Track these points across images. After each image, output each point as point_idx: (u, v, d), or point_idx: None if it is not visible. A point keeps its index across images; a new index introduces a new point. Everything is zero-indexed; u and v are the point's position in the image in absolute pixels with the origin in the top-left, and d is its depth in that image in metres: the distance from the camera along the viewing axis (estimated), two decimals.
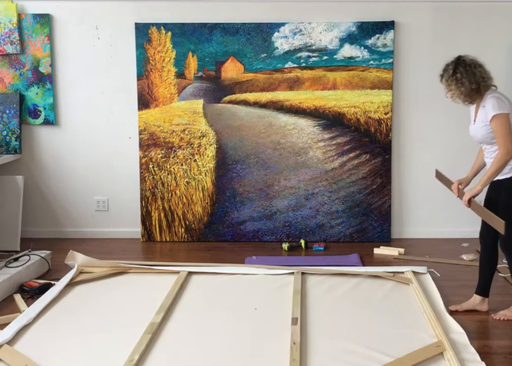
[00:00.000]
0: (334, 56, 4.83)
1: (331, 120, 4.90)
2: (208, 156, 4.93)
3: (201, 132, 4.94)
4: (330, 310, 3.44)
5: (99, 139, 5.02)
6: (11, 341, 3.02)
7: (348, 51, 4.82)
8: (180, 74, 4.91)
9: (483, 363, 2.79)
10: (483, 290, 3.46)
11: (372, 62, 4.82)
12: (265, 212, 4.97)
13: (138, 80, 4.90)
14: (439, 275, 4.06)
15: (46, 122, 4.99)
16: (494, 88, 3.26)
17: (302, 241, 4.79)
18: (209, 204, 4.97)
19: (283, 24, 4.80)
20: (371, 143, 4.89)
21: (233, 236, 4.98)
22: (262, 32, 4.81)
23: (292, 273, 3.99)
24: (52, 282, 3.86)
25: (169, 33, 4.83)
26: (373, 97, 4.86)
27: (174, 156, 4.94)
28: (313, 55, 4.84)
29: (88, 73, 4.94)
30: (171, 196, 4.96)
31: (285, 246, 4.73)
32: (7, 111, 4.92)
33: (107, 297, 3.66)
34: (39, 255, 4.16)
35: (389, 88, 4.84)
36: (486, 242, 3.40)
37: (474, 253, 4.50)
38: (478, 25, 4.78)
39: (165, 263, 4.26)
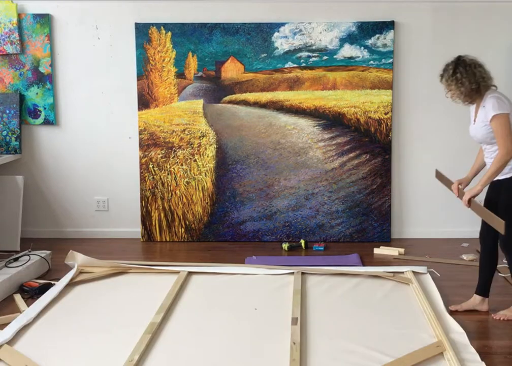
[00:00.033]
0: (334, 56, 4.83)
1: (331, 120, 4.90)
2: (208, 156, 4.93)
3: (201, 132, 4.94)
4: (330, 310, 3.44)
5: (99, 139, 5.02)
6: (11, 341, 3.02)
7: (348, 51, 4.82)
8: (180, 74, 4.91)
9: (483, 363, 2.79)
10: (483, 290, 3.46)
11: (372, 62, 4.82)
12: (265, 212, 4.97)
13: (138, 80, 4.90)
14: (439, 275, 4.06)
15: (46, 122, 4.99)
16: (494, 88, 3.26)
17: (302, 241, 4.79)
18: (209, 204, 4.97)
19: (283, 24, 4.80)
20: (371, 143, 4.89)
21: (233, 236, 4.98)
22: (262, 32, 4.81)
23: (292, 273, 3.99)
24: (52, 282, 3.86)
25: (169, 33, 4.83)
26: (373, 97, 4.86)
27: (174, 156, 4.94)
28: (313, 55, 4.84)
29: (88, 73, 4.94)
30: (171, 196, 4.96)
31: (285, 246, 4.73)
32: (7, 111, 4.92)
33: (107, 297, 3.66)
34: (39, 255, 4.16)
35: (389, 88, 4.84)
36: (486, 242, 3.40)
37: (474, 253, 4.50)
38: (478, 25, 4.78)
39: (165, 263, 4.26)
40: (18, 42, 4.84)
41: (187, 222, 4.99)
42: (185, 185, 4.95)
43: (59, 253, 4.34)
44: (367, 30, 4.78)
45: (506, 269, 3.85)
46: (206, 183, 4.95)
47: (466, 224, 4.82)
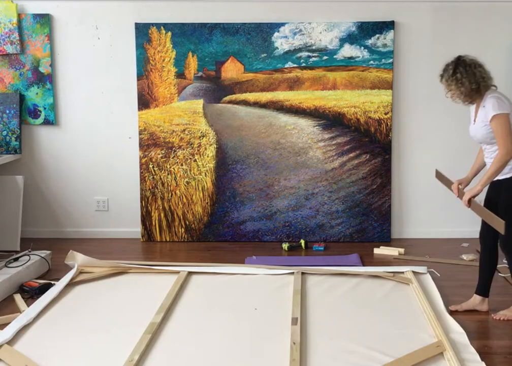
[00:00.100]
0: (334, 56, 4.83)
1: (331, 120, 4.90)
2: (208, 156, 4.93)
3: (201, 132, 4.94)
4: (330, 310, 3.44)
5: (99, 139, 5.02)
6: (11, 341, 3.02)
7: (348, 51, 4.82)
8: (180, 74, 4.91)
9: (483, 363, 2.79)
10: (483, 290, 3.46)
11: (372, 62, 4.82)
12: (265, 212, 4.97)
13: (138, 80, 4.90)
14: (439, 275, 4.06)
15: (46, 122, 4.99)
16: (494, 88, 3.26)
17: (302, 241, 4.79)
18: (209, 204, 4.97)
19: (283, 24, 4.80)
20: (371, 143, 4.89)
21: (233, 236, 4.98)
22: (262, 32, 4.81)
23: (292, 273, 3.99)
24: (52, 282, 3.86)
25: (169, 33, 4.83)
26: (373, 97, 4.86)
27: (174, 156, 4.94)
28: (313, 55, 4.84)
29: (88, 73, 4.94)
30: (171, 196, 4.96)
31: (285, 246, 4.73)
32: (7, 111, 4.92)
33: (107, 297, 3.66)
34: (39, 255, 4.16)
35: (389, 88, 4.84)
36: (486, 242, 3.40)
37: (474, 253, 4.50)
38: (478, 25, 4.78)
39: (165, 263, 4.26)
40: (18, 42, 4.84)
41: (187, 222, 4.99)
42: (185, 185, 4.95)
43: (59, 253, 4.34)
44: (367, 30, 4.78)
45: (506, 269, 3.85)
46: (206, 183, 4.95)
47: (466, 224, 4.82)
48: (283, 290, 3.74)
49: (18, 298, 3.69)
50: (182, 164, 4.94)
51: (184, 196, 4.96)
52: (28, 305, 3.51)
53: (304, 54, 4.84)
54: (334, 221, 4.95)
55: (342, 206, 4.93)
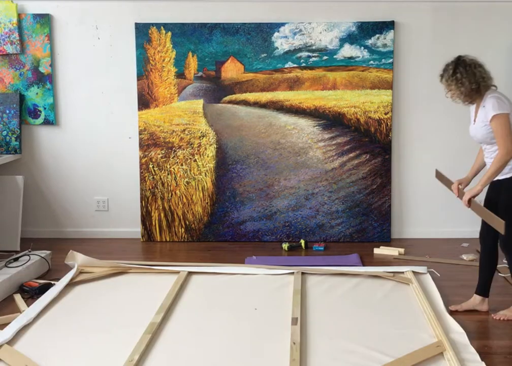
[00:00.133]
0: (334, 56, 4.83)
1: (331, 120, 4.90)
2: (208, 156, 4.93)
3: (201, 132, 4.94)
4: (330, 310, 3.44)
5: (99, 139, 5.02)
6: (11, 341, 3.02)
7: (348, 51, 4.82)
8: (180, 74, 4.91)
9: (483, 363, 2.80)
10: (483, 290, 3.46)
11: (372, 62, 4.82)
12: (265, 212, 4.97)
13: (138, 80, 4.90)
14: (439, 275, 4.06)
15: (46, 122, 4.99)
16: (494, 88, 3.26)
17: (302, 241, 4.79)
18: (209, 204, 4.97)
19: (283, 24, 4.80)
20: (371, 143, 4.89)
21: (233, 236, 4.98)
22: (262, 32, 4.81)
23: (292, 273, 3.99)
24: (52, 282, 3.86)
25: (169, 33, 4.83)
26: (373, 97, 4.86)
27: (174, 156, 4.94)
28: (313, 55, 4.84)
29: (88, 73, 4.94)
30: (171, 196, 4.96)
31: (285, 246, 4.73)
32: (7, 111, 4.92)
33: (107, 297, 3.66)
34: (39, 255, 4.16)
35: (389, 88, 4.84)
36: (486, 242, 3.40)
37: (474, 253, 4.50)
38: (478, 25, 4.78)
39: (165, 263, 4.26)
40: (18, 42, 4.84)
41: (187, 222, 4.99)
42: (185, 185, 4.95)
43: (59, 253, 4.34)
44: (367, 30, 4.78)
45: (506, 269, 3.85)
46: (206, 183, 4.95)
47: (466, 224, 4.82)
48: (283, 290, 3.74)
49: (18, 298, 3.69)
50: (182, 164, 4.94)
51: (184, 196, 4.96)
52: (28, 305, 3.51)
53: (304, 54, 4.84)
54: (334, 221, 4.95)
55: (342, 206, 4.93)
